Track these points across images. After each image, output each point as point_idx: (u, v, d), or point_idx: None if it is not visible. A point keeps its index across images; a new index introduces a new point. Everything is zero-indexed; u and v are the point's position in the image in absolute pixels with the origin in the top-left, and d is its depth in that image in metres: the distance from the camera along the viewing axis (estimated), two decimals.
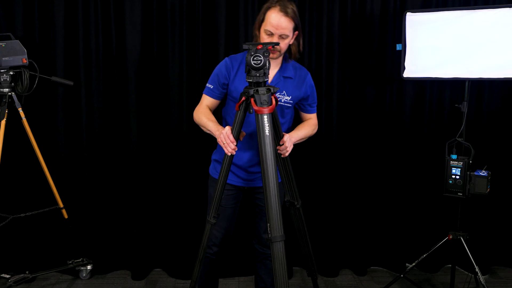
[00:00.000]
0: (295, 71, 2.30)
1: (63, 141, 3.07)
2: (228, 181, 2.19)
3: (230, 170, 2.20)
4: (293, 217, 2.33)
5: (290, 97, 2.27)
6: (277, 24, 2.09)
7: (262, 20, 2.15)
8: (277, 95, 2.22)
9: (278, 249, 1.81)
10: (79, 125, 3.07)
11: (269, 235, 1.82)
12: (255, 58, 1.86)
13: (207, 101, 2.28)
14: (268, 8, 2.13)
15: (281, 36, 2.12)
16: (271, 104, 1.90)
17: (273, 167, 1.85)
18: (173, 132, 3.09)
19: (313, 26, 3.07)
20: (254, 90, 1.90)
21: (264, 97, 1.89)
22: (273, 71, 2.22)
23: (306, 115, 2.42)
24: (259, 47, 1.87)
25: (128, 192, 3.14)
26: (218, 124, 2.17)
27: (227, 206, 2.34)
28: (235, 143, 1.99)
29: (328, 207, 3.21)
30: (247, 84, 2.00)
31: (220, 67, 2.25)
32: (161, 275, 3.23)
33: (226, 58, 2.28)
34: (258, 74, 1.90)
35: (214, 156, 2.43)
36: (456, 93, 3.12)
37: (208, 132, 2.20)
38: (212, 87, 2.26)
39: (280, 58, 2.25)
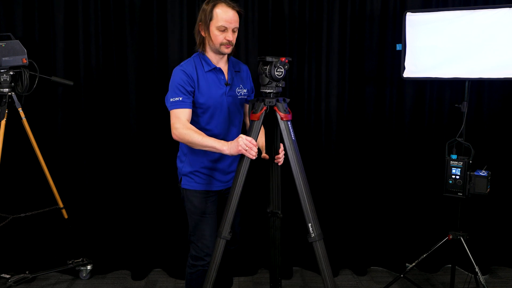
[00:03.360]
0: (239, 65, 2.33)
1: (63, 141, 3.07)
2: (211, 188, 2.25)
3: (212, 177, 2.24)
4: (271, 228, 2.25)
5: (246, 90, 2.30)
6: (231, 18, 2.10)
7: (211, 19, 2.11)
8: (236, 89, 2.25)
9: (321, 247, 1.98)
10: (79, 125, 3.07)
11: (312, 235, 1.96)
12: (278, 70, 1.94)
13: (183, 114, 2.11)
14: (215, 6, 2.10)
15: (233, 30, 2.14)
16: (288, 112, 1.99)
17: (302, 170, 1.96)
18: None
19: (313, 26, 3.07)
20: (276, 100, 1.98)
21: (285, 105, 1.99)
22: (225, 67, 2.24)
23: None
24: (282, 59, 1.95)
25: (128, 192, 3.14)
26: (215, 139, 2.08)
27: (212, 212, 2.28)
28: (257, 146, 1.99)
29: (328, 207, 3.20)
30: (210, 86, 2.14)
31: (181, 77, 2.13)
32: (161, 275, 3.23)
33: (178, 68, 2.17)
34: (280, 85, 1.98)
35: (186, 170, 2.27)
36: (456, 93, 3.12)
37: (205, 149, 2.07)
38: (180, 98, 2.11)
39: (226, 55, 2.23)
